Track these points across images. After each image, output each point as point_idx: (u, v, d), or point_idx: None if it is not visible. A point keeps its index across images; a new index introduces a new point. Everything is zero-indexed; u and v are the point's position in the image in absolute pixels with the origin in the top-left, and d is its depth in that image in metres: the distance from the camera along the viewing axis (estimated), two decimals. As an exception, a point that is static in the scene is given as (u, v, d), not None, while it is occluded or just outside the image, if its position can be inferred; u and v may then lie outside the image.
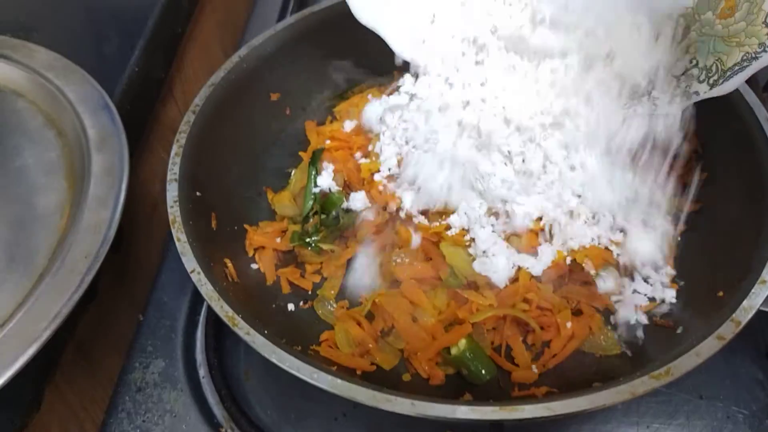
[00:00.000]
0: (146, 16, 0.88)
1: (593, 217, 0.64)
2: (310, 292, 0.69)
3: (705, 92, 0.61)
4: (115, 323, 0.75)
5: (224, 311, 0.56)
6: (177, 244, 0.61)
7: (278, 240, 0.71)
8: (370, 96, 0.78)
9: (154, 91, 0.87)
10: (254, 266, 0.70)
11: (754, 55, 0.57)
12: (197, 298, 0.74)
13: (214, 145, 0.72)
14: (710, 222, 0.67)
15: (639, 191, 0.65)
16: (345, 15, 0.83)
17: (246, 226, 0.72)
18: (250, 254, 0.70)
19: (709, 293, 0.61)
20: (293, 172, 0.77)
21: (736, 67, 0.59)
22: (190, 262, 0.59)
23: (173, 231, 0.62)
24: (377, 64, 0.87)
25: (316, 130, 0.81)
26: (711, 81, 0.61)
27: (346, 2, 0.82)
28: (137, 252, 0.81)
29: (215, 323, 0.70)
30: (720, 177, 0.70)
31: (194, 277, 0.59)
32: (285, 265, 0.71)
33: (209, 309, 0.70)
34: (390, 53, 0.87)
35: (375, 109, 0.73)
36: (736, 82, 0.59)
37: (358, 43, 0.85)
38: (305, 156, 0.79)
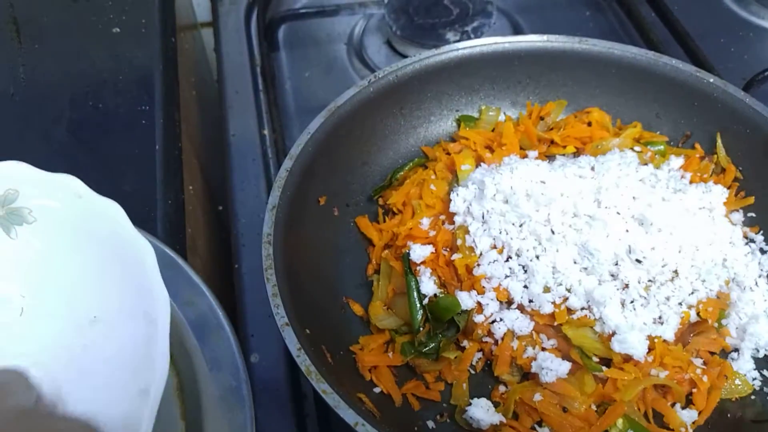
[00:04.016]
0: (152, 142, 0.81)
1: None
2: (441, 403, 0.68)
3: None
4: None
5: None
6: (326, 397, 0.58)
7: (390, 355, 0.69)
8: (433, 186, 0.77)
9: (183, 215, 0.81)
10: (376, 390, 0.67)
11: None
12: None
13: (296, 272, 0.68)
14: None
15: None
16: (367, 102, 0.82)
17: (352, 348, 0.69)
18: (368, 378, 0.67)
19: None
20: (374, 279, 0.75)
21: None
22: (350, 415, 0.56)
23: (313, 383, 0.59)
24: (405, 147, 0.87)
25: (374, 227, 0.78)
26: None
27: (364, 89, 0.82)
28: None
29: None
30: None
31: (361, 430, 0.56)
32: (402, 380, 0.68)
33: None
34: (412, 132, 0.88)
35: (460, 199, 0.72)
36: None
37: (384, 130, 0.85)
38: (373, 256, 0.77)
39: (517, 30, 1.16)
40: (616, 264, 0.66)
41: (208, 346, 0.63)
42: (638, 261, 0.66)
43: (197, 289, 0.65)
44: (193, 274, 0.65)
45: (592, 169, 0.72)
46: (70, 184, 0.58)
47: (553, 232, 0.68)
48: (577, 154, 0.82)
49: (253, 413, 0.61)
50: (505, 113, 0.88)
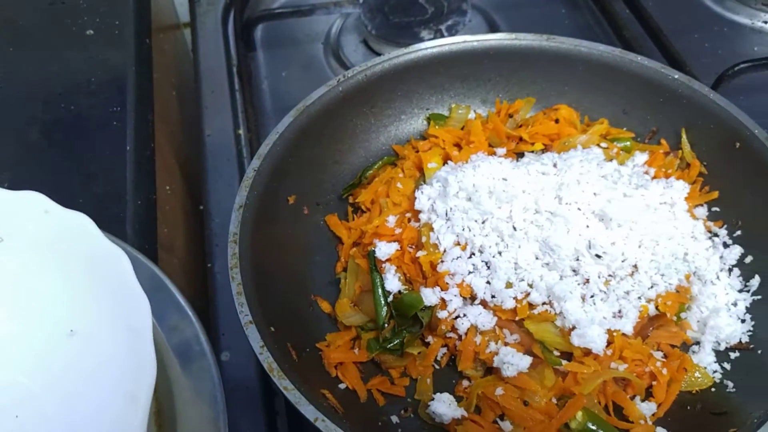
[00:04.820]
0: (123, 143, 0.82)
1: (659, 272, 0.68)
2: (405, 398, 0.68)
3: None
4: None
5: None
6: (287, 394, 0.59)
7: (356, 351, 0.70)
8: (399, 184, 0.78)
9: (155, 215, 0.81)
10: (342, 386, 0.68)
11: None
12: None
13: (264, 271, 0.69)
14: (750, 236, 0.74)
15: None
16: (337, 102, 0.83)
17: (318, 345, 0.70)
18: (333, 374, 0.68)
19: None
20: (342, 276, 0.75)
21: None
22: (311, 411, 0.57)
23: (275, 380, 0.59)
24: (376, 145, 0.88)
25: (344, 225, 0.79)
26: None
27: (333, 88, 0.82)
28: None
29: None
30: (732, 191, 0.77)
31: (321, 425, 0.57)
32: (368, 376, 0.69)
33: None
34: (383, 131, 0.88)
35: (424, 197, 0.73)
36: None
37: (355, 129, 0.86)
38: (342, 254, 0.78)
39: (493, 28, 1.17)
40: (577, 259, 0.67)
41: (189, 373, 0.63)
42: (598, 256, 0.67)
43: (184, 313, 0.65)
44: (180, 299, 0.65)
45: (555, 165, 0.73)
46: (35, 201, 0.58)
47: (515, 229, 0.69)
48: (545, 150, 0.83)
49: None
50: (475, 111, 0.89)
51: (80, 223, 0.56)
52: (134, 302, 0.53)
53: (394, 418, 0.67)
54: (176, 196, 1.02)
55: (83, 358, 0.55)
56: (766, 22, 1.14)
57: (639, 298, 0.67)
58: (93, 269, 0.57)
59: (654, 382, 0.66)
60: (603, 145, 0.82)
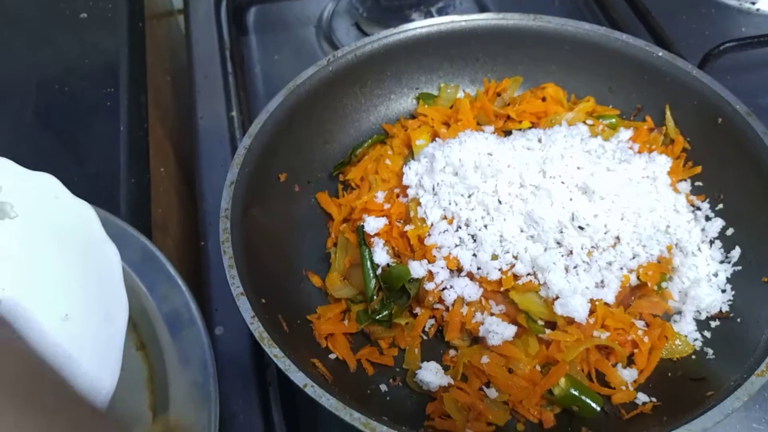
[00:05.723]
0: (117, 124, 0.83)
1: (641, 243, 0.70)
2: (394, 367, 0.70)
3: None
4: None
5: (359, 420, 0.56)
6: (277, 361, 0.60)
7: (345, 323, 0.71)
8: (388, 161, 0.79)
9: (148, 194, 0.83)
10: (332, 356, 0.70)
11: None
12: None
13: (255, 246, 0.71)
14: (731, 209, 0.75)
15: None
16: (327, 81, 0.84)
17: (308, 317, 0.72)
18: (324, 345, 0.70)
19: (754, 281, 0.69)
20: (332, 251, 0.77)
21: None
22: (300, 378, 0.59)
23: (266, 348, 0.61)
24: (366, 124, 0.89)
25: (334, 202, 0.81)
26: None
27: (323, 68, 0.84)
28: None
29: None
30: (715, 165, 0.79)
31: (310, 391, 0.58)
32: (358, 347, 0.71)
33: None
34: (373, 110, 0.90)
35: (412, 172, 0.75)
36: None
37: (345, 108, 0.87)
38: (333, 230, 0.79)
39: (483, 10, 1.18)
40: (561, 231, 0.69)
41: (179, 341, 0.65)
42: (581, 228, 0.68)
43: (174, 282, 0.67)
44: (171, 269, 0.67)
45: (540, 141, 0.74)
46: (49, 184, 0.60)
47: (500, 202, 0.70)
48: (532, 128, 0.84)
49: (218, 409, 0.63)
50: (464, 90, 0.90)
51: (84, 212, 0.58)
52: (118, 298, 0.55)
53: (383, 387, 0.68)
54: (170, 178, 1.04)
55: (70, 345, 0.56)
56: (753, 3, 1.15)
57: (621, 268, 0.68)
58: (88, 258, 0.58)
59: (636, 350, 0.68)
60: (589, 122, 0.83)
